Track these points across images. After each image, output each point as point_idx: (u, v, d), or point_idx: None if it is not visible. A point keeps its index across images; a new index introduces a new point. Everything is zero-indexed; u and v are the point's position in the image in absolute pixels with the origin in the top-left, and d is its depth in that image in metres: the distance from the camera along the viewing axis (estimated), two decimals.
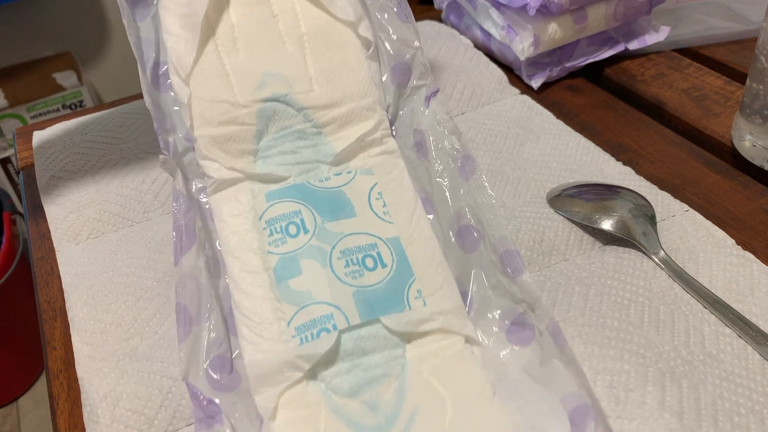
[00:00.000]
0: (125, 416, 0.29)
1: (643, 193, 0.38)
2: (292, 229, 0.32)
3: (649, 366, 0.29)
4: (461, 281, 0.32)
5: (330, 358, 0.29)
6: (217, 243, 0.33)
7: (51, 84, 1.21)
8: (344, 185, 0.35)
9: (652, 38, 0.53)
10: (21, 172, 0.47)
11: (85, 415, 0.30)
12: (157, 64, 0.36)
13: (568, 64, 0.52)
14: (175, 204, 0.34)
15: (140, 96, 0.52)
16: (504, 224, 0.33)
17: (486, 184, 0.34)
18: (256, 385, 0.28)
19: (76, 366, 0.32)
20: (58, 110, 1.23)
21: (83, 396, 0.31)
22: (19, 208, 1.20)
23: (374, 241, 0.33)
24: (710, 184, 0.40)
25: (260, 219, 0.33)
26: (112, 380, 0.31)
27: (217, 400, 0.28)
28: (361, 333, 0.29)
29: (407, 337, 0.30)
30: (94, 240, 0.39)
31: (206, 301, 0.31)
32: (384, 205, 0.34)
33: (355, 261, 0.32)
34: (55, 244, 0.39)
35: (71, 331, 0.34)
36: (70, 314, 0.35)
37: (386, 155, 0.36)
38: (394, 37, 0.38)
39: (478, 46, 0.55)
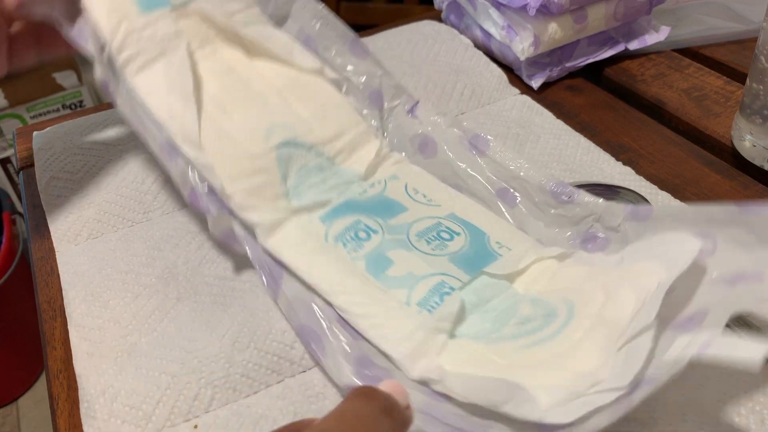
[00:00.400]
0: (122, 412, 0.29)
1: (643, 194, 0.38)
2: (362, 235, 0.35)
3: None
4: (522, 230, 0.36)
5: (462, 316, 0.31)
6: (298, 272, 0.33)
7: (51, 84, 1.21)
8: (382, 191, 0.38)
9: (652, 38, 0.53)
10: (21, 172, 0.47)
11: (83, 411, 0.30)
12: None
13: (568, 64, 0.52)
14: (248, 248, 0.35)
15: None
16: (539, 169, 0.36)
17: (502, 150, 0.38)
18: (410, 362, 0.29)
19: (73, 362, 0.32)
20: (58, 110, 1.23)
21: (81, 392, 0.31)
22: (19, 208, 1.20)
23: (436, 221, 0.36)
24: (710, 184, 0.40)
25: (326, 240, 0.35)
26: (110, 376, 0.31)
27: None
28: (475, 286, 0.32)
29: (512, 279, 0.33)
30: (94, 240, 0.39)
31: (321, 318, 0.31)
32: (425, 196, 0.37)
33: (433, 237, 0.35)
34: (55, 244, 0.39)
35: (69, 328, 0.34)
36: (68, 311, 0.35)
37: (399, 164, 0.40)
38: (360, 72, 0.41)
39: (478, 46, 0.55)
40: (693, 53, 0.54)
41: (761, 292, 0.24)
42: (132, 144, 0.45)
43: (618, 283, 0.29)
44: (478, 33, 0.55)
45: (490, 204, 0.37)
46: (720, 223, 0.28)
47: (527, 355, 0.28)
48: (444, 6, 0.59)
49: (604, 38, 0.53)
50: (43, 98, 1.21)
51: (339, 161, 0.38)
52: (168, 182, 0.42)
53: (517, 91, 0.50)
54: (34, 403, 1.15)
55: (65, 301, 0.35)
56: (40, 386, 1.17)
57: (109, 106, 0.52)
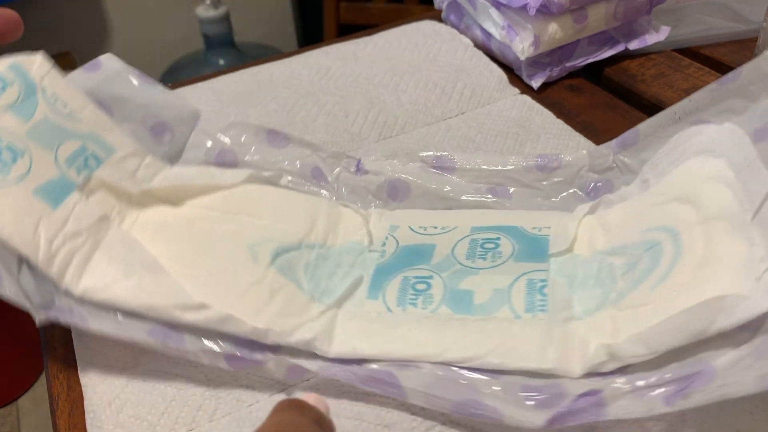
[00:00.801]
0: (128, 422, 0.29)
1: None
2: (421, 287, 0.33)
3: None
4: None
5: (571, 298, 0.31)
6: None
7: None
8: (398, 244, 0.36)
9: (652, 38, 0.53)
10: None
11: (88, 421, 0.30)
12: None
13: (568, 64, 0.51)
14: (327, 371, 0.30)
15: None
16: (515, 156, 0.38)
17: (470, 158, 0.38)
18: (566, 362, 0.28)
19: (79, 372, 0.32)
20: None
21: (86, 402, 0.31)
22: None
23: (469, 239, 0.35)
24: None
25: (391, 311, 0.32)
26: (117, 387, 0.31)
27: None
28: (556, 270, 0.32)
29: (571, 250, 0.33)
30: None
31: (465, 382, 0.29)
32: (435, 228, 0.37)
33: (482, 253, 0.34)
34: None
35: (73, 336, 0.34)
36: None
37: (385, 215, 0.38)
38: (290, 158, 0.40)
39: (478, 45, 0.55)
40: (693, 53, 0.54)
41: None
42: None
43: (691, 187, 0.30)
44: (478, 33, 0.55)
45: (489, 206, 0.37)
46: (707, 106, 0.31)
47: (668, 288, 0.28)
48: (444, 6, 0.59)
49: (604, 38, 0.52)
50: None
51: (332, 243, 0.36)
52: None
53: (517, 91, 0.50)
54: (34, 403, 1.15)
55: None
56: (40, 386, 1.17)
57: None
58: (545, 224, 0.35)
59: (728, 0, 0.56)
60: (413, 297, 0.32)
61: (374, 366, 0.29)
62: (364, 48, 0.55)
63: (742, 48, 0.53)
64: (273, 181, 0.38)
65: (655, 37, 0.53)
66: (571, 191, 0.37)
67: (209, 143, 0.39)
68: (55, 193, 0.32)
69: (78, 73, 0.38)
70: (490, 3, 0.51)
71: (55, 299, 0.30)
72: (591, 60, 0.52)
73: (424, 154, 0.39)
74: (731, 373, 0.24)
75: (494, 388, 0.28)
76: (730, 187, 0.28)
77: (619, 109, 0.48)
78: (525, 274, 0.32)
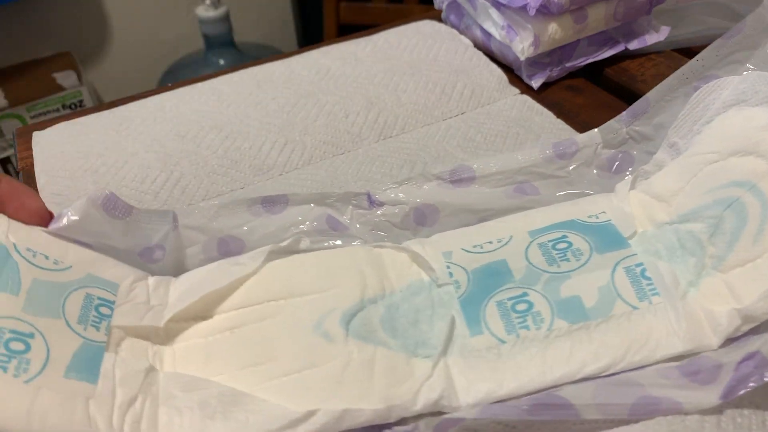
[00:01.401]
0: None
1: None
2: (522, 306, 0.30)
3: None
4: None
5: (673, 273, 0.30)
6: None
7: (51, 84, 1.21)
8: (468, 271, 0.32)
9: (652, 38, 0.53)
10: (21, 172, 0.47)
11: None
12: None
13: (568, 64, 0.51)
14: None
15: (140, 96, 0.52)
16: (529, 150, 0.37)
17: (486, 163, 0.37)
18: (701, 340, 0.28)
19: None
20: (58, 110, 1.23)
21: None
22: None
23: (536, 244, 0.33)
24: None
25: (503, 341, 0.29)
26: None
27: None
28: (641, 251, 0.31)
29: (636, 227, 0.33)
30: None
31: (635, 383, 0.28)
32: (491, 243, 0.34)
33: (562, 256, 0.32)
34: None
35: None
36: None
37: (428, 245, 0.34)
38: (299, 220, 0.35)
39: (478, 46, 0.55)
40: (693, 53, 0.53)
41: None
42: (132, 144, 0.45)
43: (745, 139, 0.30)
44: (478, 33, 0.55)
45: (525, 206, 0.36)
46: (715, 64, 0.31)
47: None
48: (444, 6, 0.59)
49: (604, 38, 0.52)
50: (43, 98, 1.21)
51: (391, 290, 0.32)
52: (167, 182, 0.42)
53: (517, 91, 0.50)
54: None
55: None
56: None
57: (109, 106, 0.51)
58: (598, 210, 0.34)
59: (728, 0, 0.56)
60: (520, 320, 0.29)
61: (532, 396, 0.27)
62: (364, 48, 0.55)
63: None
64: (293, 249, 0.34)
65: (655, 37, 0.53)
66: (594, 172, 0.36)
67: (202, 238, 0.34)
68: (86, 365, 0.27)
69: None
70: (490, 3, 0.51)
71: None
72: (591, 60, 0.52)
73: (437, 171, 0.36)
74: None
75: (656, 379, 0.27)
76: None
77: (619, 109, 0.48)
78: (618, 263, 0.31)
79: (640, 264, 0.31)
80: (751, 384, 0.25)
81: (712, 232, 0.30)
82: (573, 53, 0.52)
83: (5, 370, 0.24)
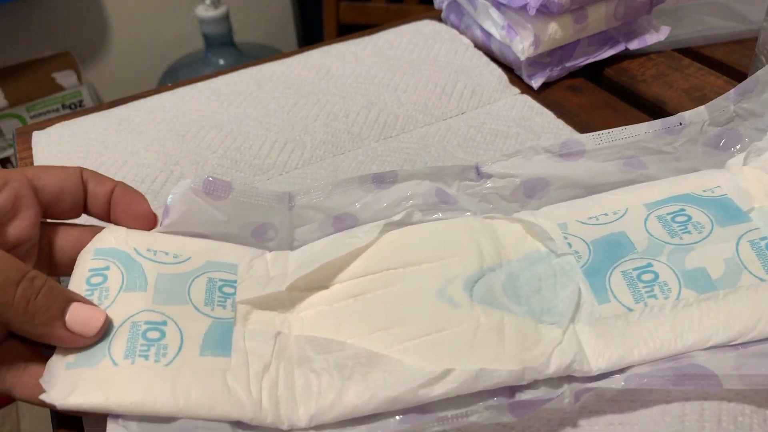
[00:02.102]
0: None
1: None
2: (648, 277, 0.31)
3: None
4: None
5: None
6: None
7: (51, 84, 1.21)
8: (586, 241, 0.33)
9: (652, 38, 0.53)
10: None
11: (88, 421, 0.30)
12: None
13: (568, 64, 0.51)
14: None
15: (140, 96, 0.52)
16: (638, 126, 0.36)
17: (598, 136, 0.37)
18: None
19: None
20: (57, 110, 1.23)
21: None
22: None
23: (654, 217, 0.33)
24: None
25: (631, 309, 0.30)
26: None
27: None
28: (760, 224, 0.32)
29: (754, 203, 0.33)
30: None
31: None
32: (604, 214, 0.34)
33: (681, 228, 0.32)
34: None
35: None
36: None
37: (540, 217, 0.35)
38: (412, 195, 0.36)
39: (478, 46, 0.55)
40: (693, 53, 0.54)
41: None
42: (131, 144, 0.45)
43: None
44: (478, 33, 0.55)
45: (636, 180, 0.36)
46: None
47: None
48: (444, 6, 0.59)
49: (604, 38, 0.52)
50: (43, 98, 1.21)
51: (509, 259, 0.32)
52: (167, 182, 0.42)
53: (517, 90, 0.50)
54: None
55: None
56: None
57: (109, 106, 0.51)
58: (713, 185, 0.34)
59: (728, 0, 0.56)
60: (648, 289, 0.30)
61: (672, 363, 0.28)
62: (364, 48, 0.55)
63: (742, 48, 0.53)
64: (407, 222, 0.34)
65: (655, 37, 0.53)
66: (701, 149, 0.36)
67: (320, 221, 0.35)
68: (218, 341, 0.29)
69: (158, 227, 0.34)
70: (490, 3, 0.51)
71: None
72: (591, 60, 0.52)
73: (547, 144, 0.36)
74: None
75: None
76: None
77: (619, 109, 0.48)
78: (741, 236, 0.31)
79: (765, 237, 0.31)
80: None
81: None
82: (573, 53, 0.52)
83: (146, 357, 0.27)
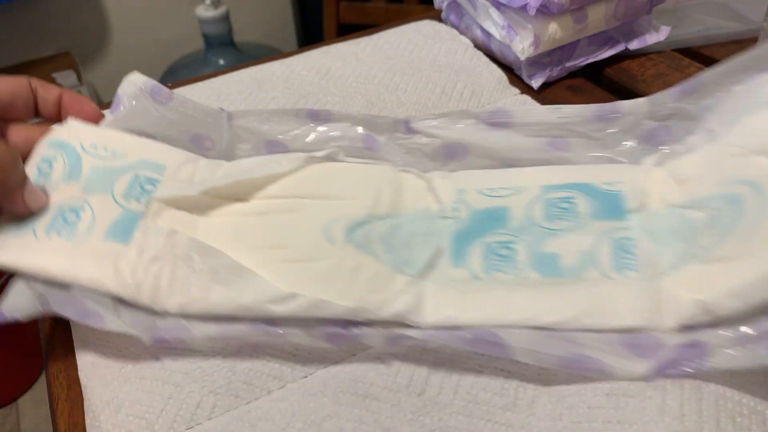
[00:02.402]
0: (126, 421, 0.29)
1: None
2: (504, 252, 0.33)
3: None
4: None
5: (657, 253, 0.31)
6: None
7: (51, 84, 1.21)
8: (471, 209, 0.36)
9: (652, 38, 0.53)
10: None
11: (88, 422, 0.30)
12: None
13: (568, 64, 0.51)
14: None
15: None
16: (570, 107, 0.37)
17: (523, 108, 0.38)
18: (659, 316, 0.29)
19: (79, 372, 0.32)
20: None
21: (86, 403, 0.31)
22: None
23: (542, 200, 0.35)
24: None
25: (479, 278, 0.32)
26: (115, 387, 0.31)
27: None
28: (636, 226, 0.32)
29: (648, 203, 0.33)
30: None
31: (573, 340, 0.30)
32: (504, 189, 0.36)
33: (559, 214, 0.34)
34: None
35: (73, 336, 0.34)
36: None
37: (448, 179, 0.37)
38: (341, 135, 0.39)
39: (478, 46, 0.55)
40: (693, 53, 0.54)
41: None
42: None
43: (766, 138, 0.30)
44: (478, 33, 0.55)
45: (552, 161, 0.37)
46: None
47: (763, 236, 0.27)
48: (444, 6, 0.59)
49: (604, 38, 0.52)
50: None
51: (401, 211, 0.36)
52: None
53: (517, 91, 0.50)
54: (34, 403, 1.15)
55: None
56: (40, 386, 1.17)
57: (108, 105, 0.51)
58: (616, 179, 0.34)
59: (728, 0, 0.56)
60: (499, 263, 0.32)
61: (477, 329, 0.30)
62: (364, 48, 0.55)
63: (742, 48, 0.53)
64: (331, 159, 0.38)
65: (655, 37, 0.53)
66: (630, 142, 0.36)
67: (252, 143, 0.39)
68: (123, 230, 0.34)
69: (107, 118, 0.38)
70: (490, 3, 0.51)
71: (156, 322, 0.32)
72: (591, 60, 0.52)
73: (477, 110, 0.38)
74: None
75: (596, 343, 0.28)
76: None
77: None
78: (607, 233, 0.32)
79: (630, 239, 0.31)
80: (685, 368, 0.26)
81: (708, 224, 0.30)
82: (573, 53, 0.52)
83: (59, 234, 0.33)
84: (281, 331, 0.31)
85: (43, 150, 0.35)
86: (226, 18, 1.24)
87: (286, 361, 0.32)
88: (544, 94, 0.50)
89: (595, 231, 0.32)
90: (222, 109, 0.39)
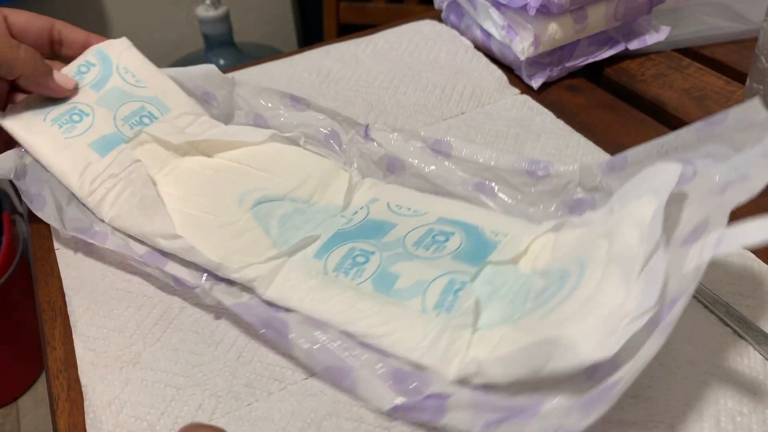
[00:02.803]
0: (128, 422, 0.29)
1: None
2: (360, 259, 0.34)
3: (649, 368, 0.29)
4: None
5: (480, 308, 0.31)
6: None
7: None
8: (367, 215, 0.38)
9: (652, 38, 0.53)
10: None
11: (88, 422, 0.30)
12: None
13: (568, 64, 0.51)
14: (244, 313, 0.33)
15: None
16: (508, 154, 0.37)
17: (467, 147, 0.38)
18: (444, 365, 0.29)
19: (79, 372, 0.32)
20: None
21: (86, 402, 0.31)
22: (19, 208, 1.20)
23: (428, 227, 0.36)
24: None
25: (326, 273, 0.34)
26: (117, 388, 0.31)
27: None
28: (485, 276, 0.33)
29: (516, 261, 0.33)
30: None
31: (344, 352, 0.31)
32: (409, 209, 0.38)
33: (429, 243, 0.35)
34: (54, 245, 0.39)
35: (74, 337, 0.34)
36: (72, 319, 0.35)
37: (375, 186, 0.40)
38: (311, 123, 0.43)
39: (478, 46, 0.55)
40: (693, 53, 0.54)
41: (750, 187, 0.25)
42: None
43: (617, 225, 0.30)
44: (478, 33, 0.55)
45: (472, 200, 0.38)
46: (693, 145, 0.30)
47: (553, 319, 0.28)
48: (444, 6, 0.59)
49: (604, 38, 0.52)
50: None
51: (315, 200, 0.39)
52: None
53: (517, 91, 0.50)
54: (34, 403, 1.15)
55: (69, 308, 0.35)
56: (40, 386, 1.17)
57: None
58: (505, 230, 0.35)
59: (728, 0, 0.56)
60: (349, 267, 0.34)
61: (279, 315, 0.32)
62: (364, 50, 0.55)
63: (742, 48, 0.53)
64: (293, 142, 0.42)
65: (655, 37, 0.53)
66: (554, 204, 0.36)
67: (246, 110, 0.45)
68: (106, 145, 0.41)
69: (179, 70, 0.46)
70: (490, 3, 0.51)
71: (93, 225, 0.38)
72: (591, 60, 0.52)
73: (425, 134, 0.39)
74: (553, 417, 0.24)
75: (371, 364, 0.30)
76: (643, 230, 0.28)
77: (619, 109, 0.48)
78: (451, 273, 0.33)
79: (464, 282, 0.32)
80: (419, 417, 0.28)
81: (538, 294, 0.30)
82: (573, 53, 0.52)
83: (60, 126, 0.41)
84: (165, 259, 0.35)
85: (89, 55, 0.44)
86: (226, 18, 1.24)
87: (288, 364, 0.32)
88: (544, 94, 0.50)
89: (444, 267, 0.33)
90: (232, 78, 0.45)
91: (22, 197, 0.39)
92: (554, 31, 0.48)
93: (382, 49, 0.55)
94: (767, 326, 0.31)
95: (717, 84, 0.49)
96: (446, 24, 0.59)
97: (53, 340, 0.34)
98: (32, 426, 1.13)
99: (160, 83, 0.44)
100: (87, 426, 0.30)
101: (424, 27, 0.58)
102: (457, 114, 0.48)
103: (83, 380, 0.32)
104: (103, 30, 1.34)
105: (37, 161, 0.40)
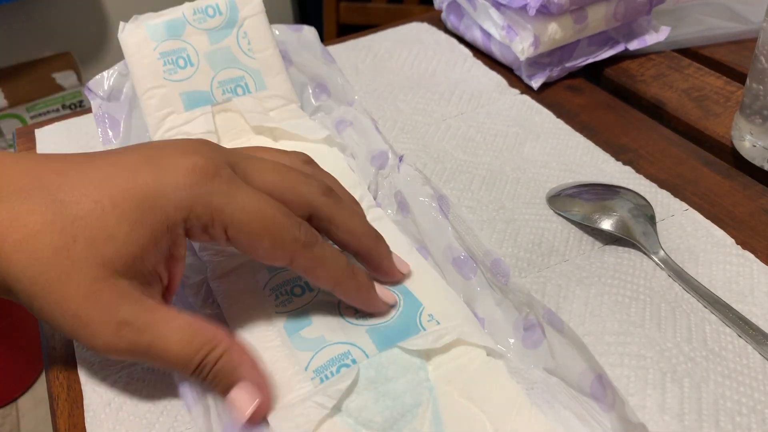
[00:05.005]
0: (128, 421, 0.29)
1: (642, 193, 0.38)
2: (297, 291, 0.33)
3: (649, 368, 0.29)
4: (471, 306, 0.33)
5: (355, 390, 0.28)
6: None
7: (51, 84, 1.21)
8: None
9: (652, 38, 0.53)
10: None
11: (88, 420, 0.30)
12: None
13: (568, 64, 0.52)
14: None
15: None
16: (485, 240, 0.34)
17: (463, 214, 0.35)
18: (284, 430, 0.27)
19: (78, 371, 0.32)
20: (57, 110, 1.23)
21: (86, 402, 0.31)
22: None
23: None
24: (710, 184, 0.40)
25: (264, 288, 0.33)
26: (116, 387, 0.31)
27: None
28: (380, 361, 0.29)
29: (427, 357, 0.30)
30: None
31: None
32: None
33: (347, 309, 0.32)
34: None
35: None
36: None
37: (375, 222, 0.37)
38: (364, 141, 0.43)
39: (478, 46, 0.55)
40: (693, 53, 0.54)
41: None
42: (130, 143, 0.45)
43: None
44: (478, 33, 0.55)
45: (446, 272, 0.35)
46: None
47: None
48: (444, 6, 0.59)
49: (604, 38, 0.53)
50: (43, 98, 1.21)
51: None
52: None
53: (517, 91, 0.50)
54: (34, 403, 1.15)
55: None
56: (40, 386, 1.17)
57: None
58: (441, 318, 0.31)
59: (728, 0, 0.56)
60: (283, 293, 0.33)
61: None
62: (363, 60, 0.55)
63: (742, 48, 0.53)
64: (342, 148, 0.43)
65: (655, 37, 0.53)
66: (515, 318, 0.32)
67: (335, 113, 0.46)
68: (194, 100, 0.43)
69: (281, 28, 0.50)
70: (489, 3, 0.51)
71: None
72: (591, 60, 0.52)
73: (438, 188, 0.37)
74: None
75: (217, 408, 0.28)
76: None
77: (619, 109, 0.48)
78: (353, 345, 0.30)
79: (354, 362, 0.29)
80: None
81: (402, 410, 0.28)
82: (573, 53, 0.52)
83: (165, 64, 0.43)
84: None
85: (221, 0, 0.46)
86: None
87: None
88: (544, 94, 0.50)
89: (352, 337, 0.30)
90: (347, 81, 0.47)
91: (96, 120, 0.42)
92: (554, 31, 0.48)
93: (382, 58, 0.55)
94: (767, 326, 0.31)
95: (717, 84, 0.49)
96: (446, 24, 0.59)
97: (53, 339, 0.34)
98: (32, 426, 1.13)
99: (268, 59, 0.45)
100: (87, 426, 0.30)
101: (423, 33, 0.58)
102: (456, 114, 0.48)
103: (83, 380, 0.32)
104: (103, 30, 1.34)
105: (134, 87, 0.43)
